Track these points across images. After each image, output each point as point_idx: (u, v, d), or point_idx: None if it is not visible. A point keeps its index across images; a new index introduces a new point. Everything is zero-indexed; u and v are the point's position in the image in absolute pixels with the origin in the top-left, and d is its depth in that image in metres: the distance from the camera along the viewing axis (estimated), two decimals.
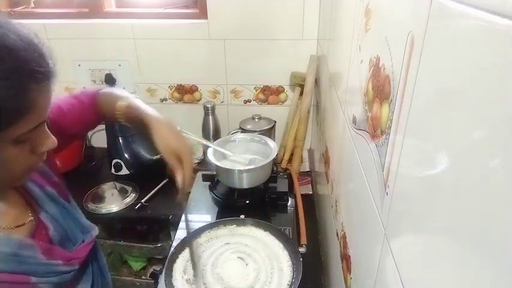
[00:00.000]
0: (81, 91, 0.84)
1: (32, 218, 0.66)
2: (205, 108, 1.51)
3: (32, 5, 1.57)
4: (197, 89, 1.61)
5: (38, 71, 0.50)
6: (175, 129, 0.81)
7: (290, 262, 0.93)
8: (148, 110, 0.82)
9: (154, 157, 1.51)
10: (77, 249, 0.69)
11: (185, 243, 0.98)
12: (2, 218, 0.62)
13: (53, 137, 0.59)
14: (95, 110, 0.82)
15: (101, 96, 0.83)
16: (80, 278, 0.72)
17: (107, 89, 0.85)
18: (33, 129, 0.53)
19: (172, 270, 0.92)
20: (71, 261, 0.66)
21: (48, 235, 0.67)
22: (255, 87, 1.58)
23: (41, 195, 0.68)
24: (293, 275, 0.89)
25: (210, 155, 1.23)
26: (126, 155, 1.49)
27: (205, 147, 1.43)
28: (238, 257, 0.95)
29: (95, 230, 0.76)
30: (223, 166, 1.21)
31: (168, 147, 0.77)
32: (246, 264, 0.93)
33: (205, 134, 1.54)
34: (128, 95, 0.84)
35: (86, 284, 0.72)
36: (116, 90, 0.86)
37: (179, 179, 0.78)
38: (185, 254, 0.97)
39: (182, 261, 0.95)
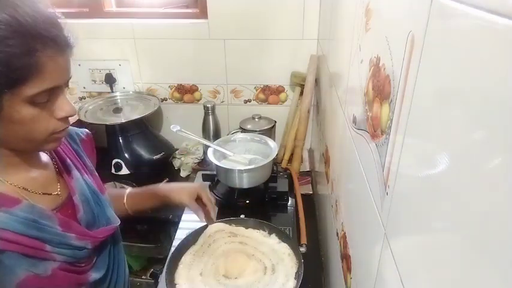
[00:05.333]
0: None
1: (59, 192, 0.71)
2: (205, 108, 1.51)
3: None
4: (197, 88, 1.61)
5: (45, 36, 0.55)
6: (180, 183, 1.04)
7: (293, 261, 0.93)
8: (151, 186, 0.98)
9: (155, 157, 1.51)
10: (95, 231, 0.73)
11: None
12: (31, 182, 0.67)
13: (73, 105, 0.63)
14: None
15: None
16: (95, 264, 0.74)
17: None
18: (46, 92, 0.58)
19: (172, 270, 0.92)
20: (85, 238, 0.69)
21: (75, 216, 0.71)
22: (255, 87, 1.58)
23: (80, 179, 0.75)
24: (295, 275, 0.89)
25: (210, 155, 1.23)
26: (126, 155, 1.49)
27: (205, 147, 1.43)
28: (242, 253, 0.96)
29: (118, 221, 0.80)
30: (223, 166, 1.21)
31: (186, 195, 0.94)
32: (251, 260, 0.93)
33: (205, 134, 1.54)
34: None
35: (99, 272, 0.74)
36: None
37: (202, 218, 0.97)
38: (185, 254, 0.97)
39: (183, 260, 0.95)
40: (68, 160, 0.75)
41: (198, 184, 1.03)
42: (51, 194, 0.70)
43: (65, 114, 0.62)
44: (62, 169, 0.73)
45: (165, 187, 0.98)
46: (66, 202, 0.71)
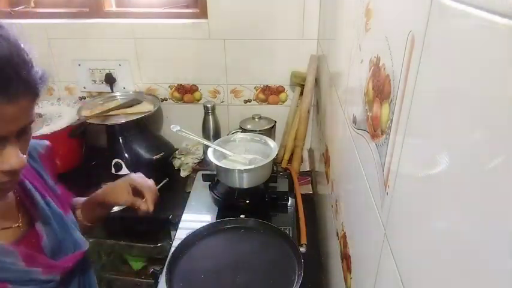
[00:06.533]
0: None
1: (20, 224, 0.66)
2: (205, 108, 1.51)
3: (32, 4, 1.57)
4: (197, 88, 1.61)
5: None
6: (112, 184, 0.90)
7: (291, 262, 0.93)
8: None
9: (155, 157, 1.51)
10: (62, 260, 0.68)
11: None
12: None
13: (21, 157, 0.56)
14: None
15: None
16: None
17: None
18: None
19: (172, 270, 0.92)
20: (52, 269, 0.64)
21: (39, 244, 0.66)
22: (255, 87, 1.58)
23: (41, 203, 0.68)
24: (294, 275, 0.89)
25: (210, 155, 1.23)
26: (126, 155, 1.48)
27: (205, 147, 1.43)
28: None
29: (86, 245, 0.75)
30: (223, 166, 1.21)
31: (120, 194, 0.86)
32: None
33: (205, 134, 1.54)
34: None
35: None
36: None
37: (143, 207, 0.85)
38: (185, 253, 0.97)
39: (183, 260, 0.95)
40: (27, 182, 0.68)
41: (126, 177, 0.91)
42: (11, 227, 0.64)
43: (8, 167, 0.54)
44: (22, 195, 0.67)
45: (102, 193, 0.88)
46: (29, 231, 0.66)
